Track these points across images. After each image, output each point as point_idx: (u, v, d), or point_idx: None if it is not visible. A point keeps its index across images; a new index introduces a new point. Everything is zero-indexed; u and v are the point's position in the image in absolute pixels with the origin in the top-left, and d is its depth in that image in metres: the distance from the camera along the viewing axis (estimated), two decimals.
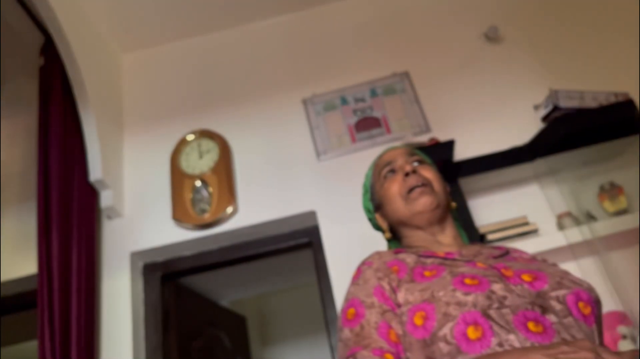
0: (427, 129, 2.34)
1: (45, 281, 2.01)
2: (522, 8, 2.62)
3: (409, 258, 0.99)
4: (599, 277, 1.93)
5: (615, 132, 2.02)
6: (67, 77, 2.24)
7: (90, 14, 2.50)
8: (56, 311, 1.97)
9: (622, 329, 1.75)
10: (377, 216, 1.19)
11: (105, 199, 2.28)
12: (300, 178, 2.33)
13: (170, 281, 2.41)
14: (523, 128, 2.20)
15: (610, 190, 2.05)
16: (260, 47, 2.76)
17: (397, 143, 2.27)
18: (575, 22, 2.52)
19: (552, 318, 0.81)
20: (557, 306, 0.83)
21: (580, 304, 0.85)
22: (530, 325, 0.78)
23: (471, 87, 2.42)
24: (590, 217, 2.00)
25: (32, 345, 2.40)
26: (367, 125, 2.41)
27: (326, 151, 2.37)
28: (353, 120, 2.44)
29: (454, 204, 1.16)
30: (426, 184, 1.07)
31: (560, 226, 1.99)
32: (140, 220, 2.35)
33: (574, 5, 2.58)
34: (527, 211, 2.06)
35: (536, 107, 2.20)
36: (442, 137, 2.25)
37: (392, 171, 1.14)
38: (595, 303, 0.88)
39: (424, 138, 2.27)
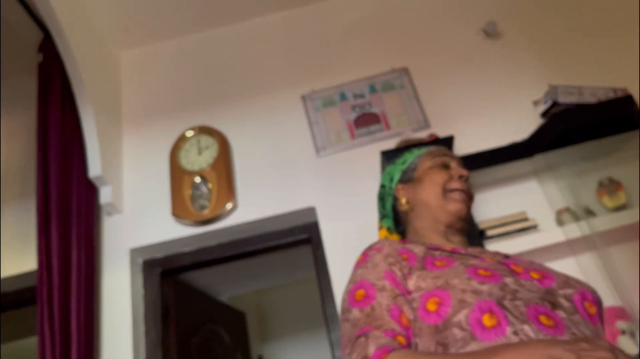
0: (426, 125, 2.34)
1: (44, 277, 2.01)
2: (521, 3, 2.61)
3: (417, 249, 1.00)
4: (597, 272, 1.94)
5: (614, 128, 2.02)
6: (65, 73, 2.23)
7: (88, 10, 2.49)
8: (56, 308, 1.97)
9: (621, 324, 1.76)
10: (399, 188, 1.24)
11: (105, 195, 2.28)
12: (299, 174, 2.33)
13: (169, 277, 2.42)
14: (522, 124, 2.20)
15: (609, 186, 2.05)
16: (258, 43, 2.75)
17: (397, 139, 2.27)
18: (574, 17, 2.52)
19: (561, 313, 0.83)
20: (565, 303, 0.85)
21: (586, 303, 0.87)
22: (543, 318, 0.80)
23: (470, 83, 2.42)
24: (589, 213, 2.00)
25: (32, 341, 2.41)
26: (366, 121, 2.41)
27: (325, 147, 2.37)
28: (352, 116, 2.44)
29: None
30: (468, 195, 1.14)
31: (559, 222, 1.99)
32: (139, 216, 2.35)
33: (572, 0, 2.57)
34: (526, 207, 2.06)
35: (535, 103, 2.20)
36: (441, 133, 2.25)
37: (445, 166, 1.19)
38: (598, 303, 0.90)
39: (423, 134, 2.27)
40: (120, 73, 2.78)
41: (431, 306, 0.84)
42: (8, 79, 2.84)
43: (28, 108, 2.67)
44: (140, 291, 2.29)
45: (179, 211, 2.28)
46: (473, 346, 0.78)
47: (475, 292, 0.83)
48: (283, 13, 2.83)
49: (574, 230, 1.90)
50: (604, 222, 1.90)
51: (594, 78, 2.25)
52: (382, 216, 1.30)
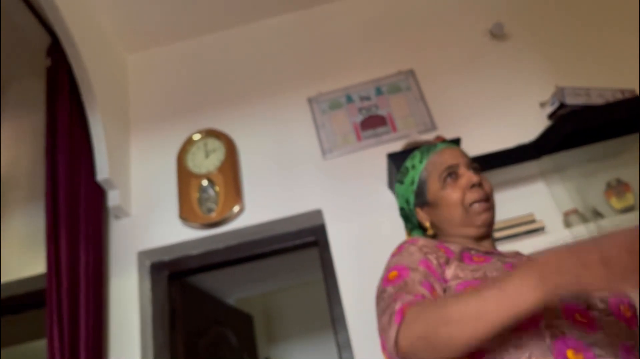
0: (433, 127, 2.34)
1: (53, 280, 2.02)
2: (528, 4, 2.61)
3: (453, 246, 1.01)
4: None
5: (622, 129, 2.01)
6: (73, 77, 2.25)
7: (96, 14, 2.51)
8: (65, 310, 1.98)
9: None
10: (419, 211, 1.17)
11: (113, 199, 2.29)
12: (306, 176, 2.33)
13: (177, 280, 2.42)
14: (529, 126, 2.19)
15: (617, 187, 2.04)
16: (265, 46, 2.76)
17: (403, 142, 2.27)
18: (581, 19, 2.51)
19: (596, 314, 0.83)
20: (600, 305, 0.87)
21: (622, 307, 0.89)
22: (577, 316, 0.81)
23: (477, 85, 2.42)
24: (597, 214, 1.99)
25: (41, 344, 2.42)
26: (372, 123, 2.41)
27: (332, 149, 2.37)
28: (358, 118, 2.44)
29: None
30: (487, 198, 1.08)
31: (567, 224, 1.98)
32: (147, 219, 2.36)
33: (579, 1, 2.57)
34: (533, 209, 2.06)
35: (542, 104, 2.20)
36: (448, 135, 2.24)
37: (453, 174, 1.12)
38: (633, 308, 0.91)
39: (429, 136, 2.26)
40: (128, 76, 2.79)
41: None
42: (17, 83, 2.87)
43: (36, 112, 2.69)
44: (148, 293, 2.30)
45: (186, 214, 2.29)
46: (507, 335, 0.79)
47: None
48: (289, 15, 2.83)
49: (582, 232, 1.89)
50: (612, 224, 1.89)
51: (602, 80, 2.25)
52: (411, 229, 1.28)
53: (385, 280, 0.92)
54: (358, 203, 2.21)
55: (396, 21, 2.70)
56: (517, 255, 1.06)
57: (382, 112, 2.44)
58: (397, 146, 2.28)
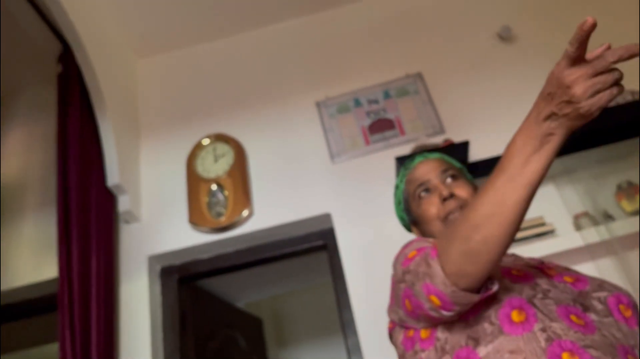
0: (441, 130, 2.34)
1: (65, 284, 2.04)
2: (535, 7, 2.60)
3: None
4: (617, 278, 1.91)
5: (632, 131, 2.00)
6: (84, 84, 2.27)
7: (106, 21, 2.54)
8: (76, 314, 2.00)
9: None
10: (413, 228, 1.18)
11: (123, 203, 2.31)
12: (314, 180, 2.34)
13: (187, 284, 2.44)
14: None
15: (628, 189, 2.02)
16: (273, 50, 2.78)
17: (411, 145, 2.27)
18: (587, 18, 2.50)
19: (592, 315, 0.84)
20: (599, 306, 0.86)
21: (621, 306, 0.88)
22: (573, 317, 0.81)
23: (485, 87, 2.42)
24: (608, 217, 1.98)
25: (53, 348, 2.44)
26: (380, 126, 2.41)
27: (340, 153, 2.38)
28: (367, 122, 2.44)
29: None
30: (464, 207, 1.05)
31: (577, 227, 1.97)
32: (157, 223, 2.38)
33: (587, 3, 2.56)
34: (543, 212, 2.05)
35: None
36: (457, 138, 2.24)
37: (427, 190, 1.11)
38: (634, 307, 0.90)
39: (438, 140, 2.26)
40: (137, 82, 2.82)
41: None
42: (29, 90, 2.90)
43: (48, 118, 2.72)
44: (159, 297, 2.31)
45: (196, 219, 2.30)
46: (500, 340, 0.80)
47: (507, 289, 0.85)
48: (297, 20, 2.85)
49: (593, 235, 1.88)
50: (623, 226, 1.88)
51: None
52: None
53: (406, 261, 0.91)
54: (367, 206, 2.21)
55: (404, 25, 2.70)
56: (515, 259, 1.05)
57: (390, 115, 2.44)
58: (405, 149, 2.28)
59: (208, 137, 2.53)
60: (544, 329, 0.79)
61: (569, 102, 0.67)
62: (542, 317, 0.81)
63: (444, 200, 1.06)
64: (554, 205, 2.09)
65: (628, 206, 1.99)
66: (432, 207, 1.08)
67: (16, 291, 2.35)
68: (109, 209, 2.31)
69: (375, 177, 2.27)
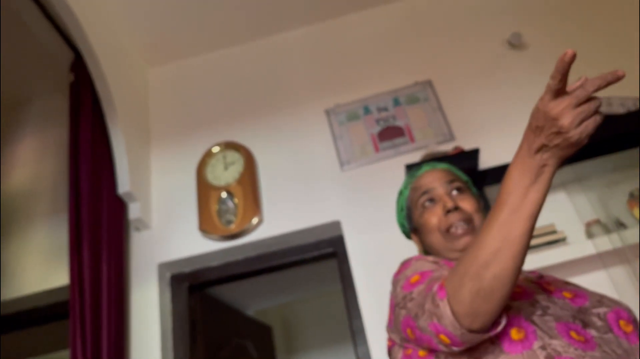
0: (451, 138, 2.33)
1: (76, 292, 2.06)
2: (546, 14, 2.60)
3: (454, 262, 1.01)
4: (630, 286, 1.89)
5: None
6: (96, 92, 2.29)
7: (118, 30, 2.57)
8: (87, 321, 2.01)
9: None
10: (413, 237, 1.17)
11: (134, 211, 2.32)
12: (324, 188, 2.34)
13: (197, 292, 2.44)
14: None
15: None
16: (282, 58, 2.79)
17: (421, 152, 2.27)
18: (599, 27, 2.49)
19: (592, 332, 0.83)
20: (598, 322, 0.85)
21: (622, 322, 0.87)
22: (573, 334, 0.80)
23: (495, 95, 2.41)
24: (620, 225, 1.96)
25: (64, 355, 2.45)
26: (390, 134, 2.41)
27: (350, 161, 2.38)
28: (376, 129, 2.44)
29: None
30: (467, 220, 1.04)
31: (589, 235, 1.95)
32: (167, 231, 2.39)
33: (598, 10, 2.55)
34: (554, 220, 2.03)
35: None
36: (467, 146, 2.23)
37: (431, 200, 1.10)
38: (635, 322, 0.89)
39: (448, 147, 2.26)
40: (148, 90, 2.84)
41: None
42: (41, 99, 2.94)
43: (60, 126, 2.75)
44: (169, 305, 2.32)
45: (206, 226, 2.31)
46: (501, 358, 0.79)
47: (506, 307, 0.83)
48: (307, 28, 2.86)
49: (605, 243, 1.86)
50: (636, 234, 1.86)
51: (623, 89, 2.21)
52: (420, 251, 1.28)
53: (408, 285, 0.90)
54: (376, 214, 2.21)
55: (413, 32, 2.71)
56: None
57: (399, 122, 2.44)
58: (415, 157, 2.28)
59: (218, 144, 2.54)
60: (543, 347, 0.78)
61: (559, 133, 0.69)
62: (541, 334, 0.80)
63: (448, 212, 1.05)
64: (566, 213, 2.08)
65: None
66: (433, 218, 1.07)
67: (27, 298, 2.37)
68: (120, 217, 2.32)
69: (384, 185, 2.26)
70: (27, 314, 2.45)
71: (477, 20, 2.66)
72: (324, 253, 2.36)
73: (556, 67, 0.67)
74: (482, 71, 2.50)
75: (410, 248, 2.01)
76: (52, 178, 2.65)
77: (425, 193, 1.11)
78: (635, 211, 1.98)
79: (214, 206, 2.35)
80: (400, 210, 1.20)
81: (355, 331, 2.10)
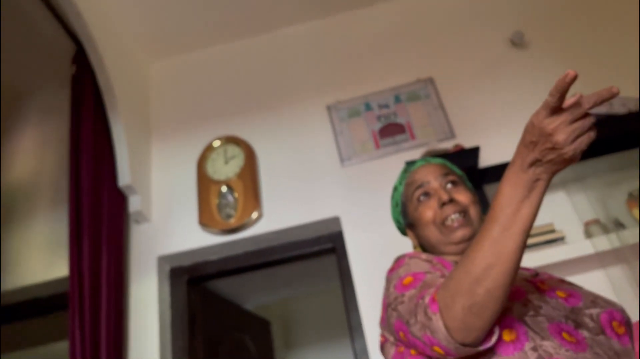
0: (452, 135, 2.33)
1: (76, 283, 2.06)
2: (548, 13, 2.59)
3: (448, 259, 1.02)
4: (627, 286, 1.90)
5: None
6: (97, 84, 2.30)
7: (120, 23, 2.57)
8: (86, 313, 2.02)
9: None
10: (408, 232, 1.17)
11: (134, 204, 2.33)
12: (324, 184, 2.34)
13: (196, 285, 2.45)
14: None
15: None
16: (284, 54, 2.79)
17: (422, 150, 2.27)
18: (602, 27, 2.49)
19: (584, 333, 0.83)
20: (590, 323, 0.85)
21: (614, 323, 0.87)
22: (565, 335, 0.80)
23: (496, 93, 2.41)
24: (619, 225, 1.96)
25: (63, 346, 2.46)
26: (391, 131, 2.41)
27: (350, 157, 2.38)
28: (377, 126, 2.44)
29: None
30: (463, 212, 1.04)
31: (588, 234, 1.96)
32: (167, 224, 2.39)
33: (601, 9, 2.54)
34: (553, 219, 2.04)
35: None
36: (467, 144, 2.24)
37: (426, 194, 1.10)
38: (627, 323, 0.89)
39: (448, 145, 2.26)
40: (150, 83, 2.84)
41: None
42: (43, 91, 2.94)
43: (61, 119, 2.75)
44: (168, 298, 2.33)
45: (205, 220, 2.32)
46: None
47: None
48: (309, 24, 2.86)
49: (603, 243, 1.86)
50: (635, 234, 1.86)
51: (624, 89, 2.22)
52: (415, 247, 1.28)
53: (400, 286, 0.90)
54: (376, 210, 2.21)
55: (415, 29, 2.70)
56: None
57: (400, 120, 2.44)
58: (415, 154, 2.28)
59: (219, 139, 2.54)
60: (535, 349, 0.79)
61: (553, 149, 0.70)
62: (533, 335, 0.80)
63: (443, 204, 1.05)
64: (565, 212, 2.08)
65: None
66: (429, 211, 1.07)
67: (27, 289, 2.38)
68: (120, 209, 2.33)
69: (384, 181, 2.27)
70: (27, 305, 2.46)
71: (480, 19, 2.66)
72: (323, 248, 2.36)
73: (556, 85, 0.67)
74: (484, 69, 2.50)
75: (408, 245, 2.02)
76: (53, 170, 2.66)
77: (420, 186, 1.11)
78: (635, 211, 1.99)
79: (214, 200, 2.36)
80: (395, 205, 1.20)
81: (352, 327, 2.11)
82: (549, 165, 0.72)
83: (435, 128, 2.37)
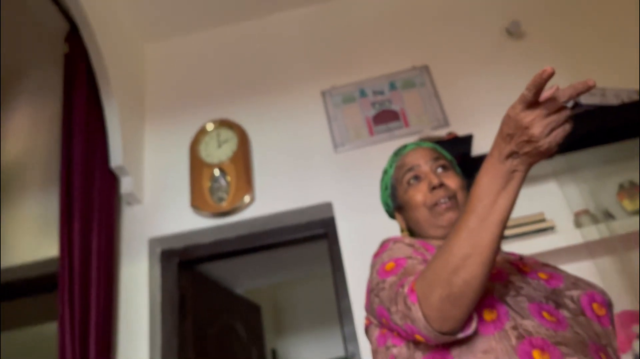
0: (446, 123, 2.33)
1: (66, 264, 2.06)
2: (545, 3, 2.59)
3: (433, 242, 1.03)
4: (615, 276, 1.92)
5: (637, 130, 2.00)
6: (91, 65, 2.27)
7: (114, 3, 2.53)
8: (76, 294, 2.01)
9: (636, 328, 1.74)
10: (397, 215, 1.18)
11: (125, 185, 2.32)
12: (317, 169, 2.34)
13: (187, 268, 2.45)
14: None
15: (630, 189, 2.02)
16: (280, 38, 2.77)
17: (415, 137, 2.27)
18: (597, 18, 2.49)
19: (565, 313, 0.83)
20: (571, 304, 0.86)
21: (595, 305, 0.88)
22: (545, 314, 0.81)
23: (491, 82, 2.41)
24: (609, 216, 1.98)
25: (52, 326, 2.46)
26: (385, 118, 2.41)
27: (343, 143, 2.38)
28: (371, 112, 2.44)
29: None
30: (452, 197, 1.05)
31: (578, 224, 1.97)
32: (159, 206, 2.39)
33: (598, 3, 2.54)
34: (544, 208, 2.05)
35: None
36: (461, 132, 2.24)
37: (416, 177, 1.10)
38: (609, 305, 0.90)
39: (442, 133, 2.26)
40: (145, 65, 2.82)
41: None
42: (35, 70, 2.90)
43: (54, 98, 2.73)
44: (158, 280, 2.33)
45: (197, 203, 2.31)
46: (474, 340, 0.80)
47: None
48: (305, 9, 2.84)
49: (593, 233, 1.88)
50: (624, 225, 1.88)
51: (618, 80, 2.22)
52: (402, 230, 1.29)
53: (382, 272, 0.91)
54: (368, 197, 2.21)
55: (412, 16, 2.69)
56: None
57: (395, 107, 2.44)
58: (409, 141, 2.28)
59: (212, 122, 2.53)
60: (515, 327, 0.80)
61: (529, 142, 0.71)
62: (513, 315, 0.81)
63: (433, 188, 1.06)
64: (556, 202, 2.09)
65: (629, 205, 1.99)
66: (419, 194, 1.08)
67: (17, 269, 2.37)
68: (112, 190, 2.32)
69: (377, 168, 2.25)
70: (16, 285, 2.45)
71: (477, 8, 2.65)
72: (314, 233, 2.37)
73: (533, 80, 0.68)
74: (480, 59, 2.50)
75: (398, 232, 2.02)
76: (45, 150, 2.64)
77: (410, 169, 1.11)
78: (625, 202, 2.00)
79: (207, 184, 2.35)
80: (384, 188, 1.21)
81: (342, 312, 2.12)
82: (525, 157, 0.73)
83: (430, 116, 2.37)
